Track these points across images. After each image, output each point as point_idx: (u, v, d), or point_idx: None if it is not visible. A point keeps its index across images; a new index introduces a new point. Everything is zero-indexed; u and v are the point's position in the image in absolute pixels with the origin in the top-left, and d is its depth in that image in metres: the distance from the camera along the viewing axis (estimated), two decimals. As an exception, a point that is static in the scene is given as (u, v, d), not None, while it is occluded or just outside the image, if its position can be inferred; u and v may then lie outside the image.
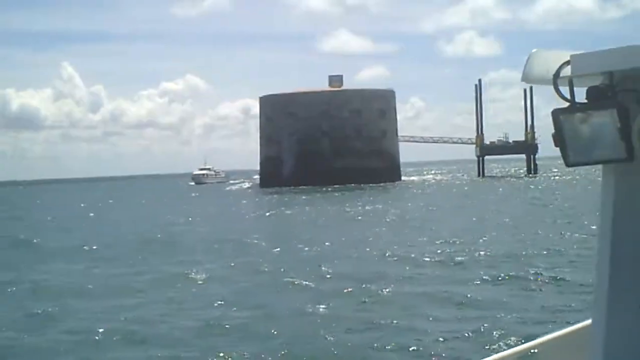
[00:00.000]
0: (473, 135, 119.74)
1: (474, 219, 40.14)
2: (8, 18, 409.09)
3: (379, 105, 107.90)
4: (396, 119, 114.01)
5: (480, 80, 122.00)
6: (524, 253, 26.21)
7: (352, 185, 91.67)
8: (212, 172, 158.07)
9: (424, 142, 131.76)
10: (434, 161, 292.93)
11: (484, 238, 30.72)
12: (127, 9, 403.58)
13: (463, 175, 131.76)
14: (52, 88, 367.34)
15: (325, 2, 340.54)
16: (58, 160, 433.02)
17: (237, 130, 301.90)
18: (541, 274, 21.38)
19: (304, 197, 74.09)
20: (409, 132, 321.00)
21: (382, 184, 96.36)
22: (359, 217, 46.11)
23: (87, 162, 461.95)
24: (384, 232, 36.05)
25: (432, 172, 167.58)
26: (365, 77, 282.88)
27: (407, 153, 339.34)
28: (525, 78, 3.13)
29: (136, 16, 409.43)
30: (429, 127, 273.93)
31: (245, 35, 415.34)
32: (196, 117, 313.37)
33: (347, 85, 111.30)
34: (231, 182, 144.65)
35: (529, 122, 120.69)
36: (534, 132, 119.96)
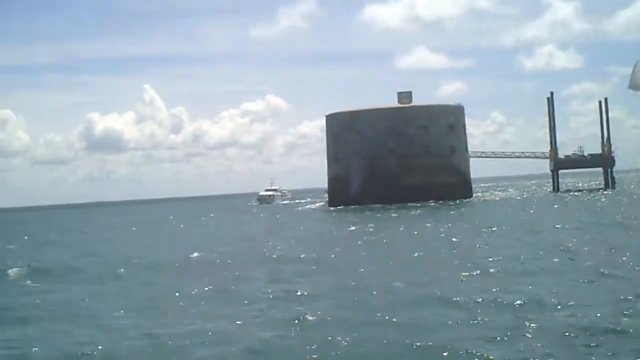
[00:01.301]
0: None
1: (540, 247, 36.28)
2: (92, 46, 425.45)
3: (447, 121, 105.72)
4: (465, 134, 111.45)
5: (552, 93, 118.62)
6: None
7: (419, 203, 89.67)
8: (279, 193, 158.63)
9: (496, 157, 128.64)
10: (509, 176, 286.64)
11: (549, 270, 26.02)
12: (206, 32, 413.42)
13: (537, 190, 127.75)
14: (135, 111, 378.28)
15: (401, 20, 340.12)
16: (142, 181, 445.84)
17: (317, 148, 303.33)
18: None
19: (368, 216, 72.89)
20: (491, 146, 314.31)
21: (451, 202, 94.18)
22: (418, 238, 44.54)
23: (170, 182, 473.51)
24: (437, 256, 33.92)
25: (505, 188, 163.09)
26: (444, 93, 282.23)
27: (482, 168, 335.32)
28: (633, 85, 2.12)
29: (215, 39, 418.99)
30: (511, 141, 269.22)
31: (323, 54, 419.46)
32: (277, 136, 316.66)
33: (424, 101, 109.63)
34: (297, 201, 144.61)
35: (605, 135, 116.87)
36: (610, 145, 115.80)
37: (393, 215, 72.42)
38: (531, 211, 67.90)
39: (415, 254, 32.60)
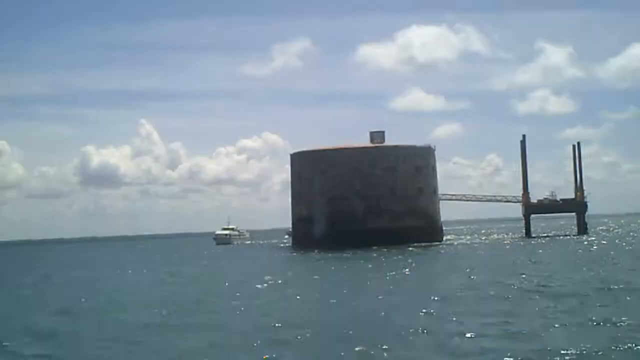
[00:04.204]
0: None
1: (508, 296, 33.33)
2: (88, 78, 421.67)
3: (415, 162, 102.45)
4: (435, 176, 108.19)
5: (524, 136, 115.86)
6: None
7: (385, 248, 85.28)
8: (236, 232, 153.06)
9: (467, 200, 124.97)
10: (483, 219, 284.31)
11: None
12: (202, 68, 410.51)
13: (509, 235, 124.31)
14: (131, 145, 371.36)
15: (395, 61, 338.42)
16: (137, 216, 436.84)
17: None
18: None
19: (326, 261, 68.68)
20: (488, 190, 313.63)
21: (418, 245, 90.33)
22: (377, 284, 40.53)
23: (166, 218, 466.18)
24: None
25: (477, 231, 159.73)
26: (440, 135, 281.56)
27: (455, 211, 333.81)
28: None
29: (209, 74, 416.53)
30: (507, 183, 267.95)
31: (317, 92, 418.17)
32: (274, 174, 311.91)
33: (416, 142, 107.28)
34: (256, 242, 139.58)
35: (578, 179, 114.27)
36: (582, 190, 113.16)
37: (361, 262, 68.27)
38: (497, 256, 64.31)
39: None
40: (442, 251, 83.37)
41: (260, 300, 36.50)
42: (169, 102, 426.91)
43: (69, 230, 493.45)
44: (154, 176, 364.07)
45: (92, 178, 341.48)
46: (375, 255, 74.99)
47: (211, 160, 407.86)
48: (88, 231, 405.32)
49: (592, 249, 73.12)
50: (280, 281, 47.66)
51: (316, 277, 50.56)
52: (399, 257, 70.69)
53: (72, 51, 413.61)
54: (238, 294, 39.81)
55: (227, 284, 47.98)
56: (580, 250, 71.63)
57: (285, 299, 36.77)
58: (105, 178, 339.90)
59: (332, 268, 60.00)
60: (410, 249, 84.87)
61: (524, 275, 43.20)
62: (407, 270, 53.37)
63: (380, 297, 34.81)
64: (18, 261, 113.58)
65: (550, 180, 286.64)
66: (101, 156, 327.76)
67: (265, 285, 45.17)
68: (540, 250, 75.20)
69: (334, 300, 34.28)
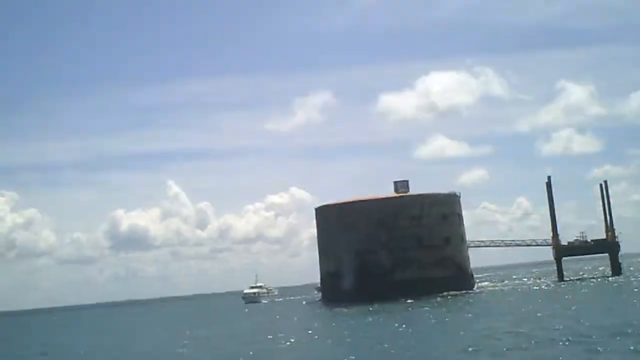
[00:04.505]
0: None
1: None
2: (113, 143, 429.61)
3: (441, 210, 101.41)
4: (462, 224, 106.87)
5: (549, 178, 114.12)
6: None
7: (413, 299, 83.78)
8: (264, 290, 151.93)
9: (496, 246, 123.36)
10: (515, 264, 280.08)
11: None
12: (225, 126, 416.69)
13: (541, 280, 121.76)
14: (160, 207, 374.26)
15: (416, 109, 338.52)
16: (169, 278, 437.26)
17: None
18: None
19: (355, 315, 67.50)
20: (519, 233, 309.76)
21: (448, 295, 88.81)
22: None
23: (196, 279, 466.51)
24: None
25: (509, 277, 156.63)
26: (466, 181, 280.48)
27: (486, 258, 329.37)
28: None
29: (233, 133, 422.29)
30: (538, 227, 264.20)
31: (340, 145, 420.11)
32: (302, 229, 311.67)
33: (442, 190, 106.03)
34: (288, 298, 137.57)
35: (608, 219, 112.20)
36: (613, 230, 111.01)
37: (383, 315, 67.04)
38: (533, 303, 62.76)
39: None
40: (471, 300, 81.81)
41: None
42: (194, 162, 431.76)
43: (102, 295, 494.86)
44: (184, 237, 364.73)
45: (123, 242, 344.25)
46: (401, 307, 73.58)
47: (240, 218, 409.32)
48: (121, 295, 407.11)
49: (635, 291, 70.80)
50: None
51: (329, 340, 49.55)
52: (426, 308, 69.54)
53: (95, 117, 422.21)
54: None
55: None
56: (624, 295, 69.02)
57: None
58: (135, 241, 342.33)
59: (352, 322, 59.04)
60: (439, 299, 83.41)
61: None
62: (434, 321, 52.46)
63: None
64: (32, 328, 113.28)
65: (582, 221, 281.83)
66: (130, 219, 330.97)
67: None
68: (570, 297, 73.39)
69: None
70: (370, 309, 75.47)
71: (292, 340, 47.54)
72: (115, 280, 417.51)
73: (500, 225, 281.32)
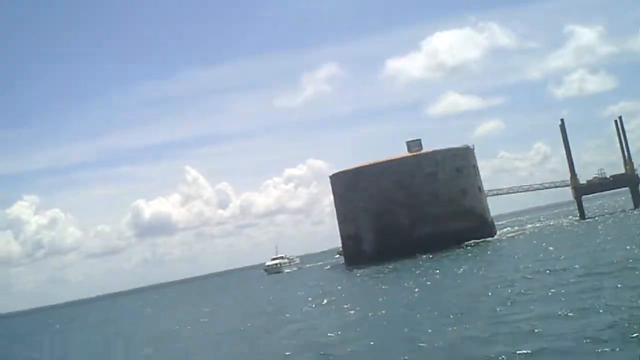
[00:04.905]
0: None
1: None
2: (127, 137, 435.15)
3: (455, 164, 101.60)
4: (478, 174, 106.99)
5: (562, 120, 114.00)
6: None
7: (432, 254, 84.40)
8: (286, 260, 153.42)
9: (515, 192, 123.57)
10: (539, 206, 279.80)
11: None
12: (235, 108, 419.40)
13: (563, 220, 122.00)
14: (180, 193, 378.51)
15: (425, 69, 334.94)
16: (196, 259, 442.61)
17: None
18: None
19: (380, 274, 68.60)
20: (540, 178, 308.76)
21: (469, 245, 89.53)
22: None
23: (224, 256, 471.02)
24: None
25: (531, 220, 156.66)
26: (481, 134, 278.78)
27: (508, 204, 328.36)
28: None
29: (244, 114, 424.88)
30: (559, 170, 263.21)
31: (352, 113, 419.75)
32: (322, 197, 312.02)
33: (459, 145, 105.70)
34: (308, 266, 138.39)
35: (626, 154, 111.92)
36: (632, 163, 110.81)
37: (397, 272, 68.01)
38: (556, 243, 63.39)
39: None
40: (489, 247, 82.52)
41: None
42: (209, 146, 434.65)
43: (133, 281, 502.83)
44: (206, 218, 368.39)
45: (147, 229, 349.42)
46: (420, 262, 74.56)
47: (260, 194, 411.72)
48: (151, 279, 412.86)
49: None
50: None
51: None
52: (451, 258, 70.56)
53: (107, 115, 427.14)
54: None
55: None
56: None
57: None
58: (159, 227, 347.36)
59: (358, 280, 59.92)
60: (460, 249, 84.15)
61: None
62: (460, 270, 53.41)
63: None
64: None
65: (602, 158, 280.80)
66: (152, 207, 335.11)
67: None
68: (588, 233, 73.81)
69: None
70: (390, 267, 76.47)
71: (308, 307, 48.47)
72: (144, 265, 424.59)
73: (520, 171, 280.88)
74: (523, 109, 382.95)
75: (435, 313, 31.68)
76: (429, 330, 26.26)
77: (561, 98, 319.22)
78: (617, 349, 18.62)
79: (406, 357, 22.58)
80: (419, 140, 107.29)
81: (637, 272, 31.93)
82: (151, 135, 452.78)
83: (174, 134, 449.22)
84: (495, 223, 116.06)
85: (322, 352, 26.52)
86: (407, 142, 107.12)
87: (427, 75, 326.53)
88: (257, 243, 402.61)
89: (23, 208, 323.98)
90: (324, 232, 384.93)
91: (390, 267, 76.91)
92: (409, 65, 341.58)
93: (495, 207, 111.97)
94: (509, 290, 34.91)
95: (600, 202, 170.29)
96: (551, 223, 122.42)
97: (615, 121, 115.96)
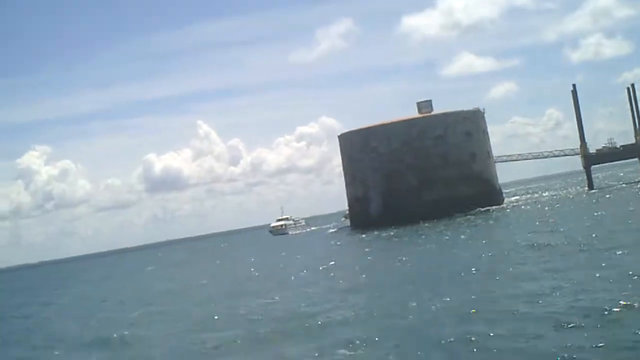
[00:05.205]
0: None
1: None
2: (139, 89, 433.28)
3: (465, 128, 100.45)
4: (488, 139, 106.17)
5: (574, 86, 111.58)
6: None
7: (438, 220, 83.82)
8: (291, 222, 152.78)
9: (524, 159, 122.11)
10: (549, 175, 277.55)
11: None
12: (248, 63, 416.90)
13: (570, 190, 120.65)
14: (191, 148, 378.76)
15: (440, 28, 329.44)
16: (206, 215, 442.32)
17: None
18: None
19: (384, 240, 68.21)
20: (551, 145, 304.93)
21: (477, 211, 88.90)
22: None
23: (233, 214, 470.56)
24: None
25: (539, 189, 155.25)
26: (494, 96, 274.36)
27: (518, 171, 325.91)
28: None
29: (258, 68, 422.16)
30: (571, 136, 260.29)
31: (366, 70, 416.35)
32: (334, 157, 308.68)
33: (472, 107, 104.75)
34: (313, 229, 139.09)
35: (637, 123, 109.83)
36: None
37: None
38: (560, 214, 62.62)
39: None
40: (495, 215, 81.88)
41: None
42: (222, 101, 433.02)
43: (142, 237, 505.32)
44: (217, 174, 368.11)
45: (157, 184, 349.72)
46: (424, 230, 73.78)
47: (271, 151, 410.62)
48: (160, 236, 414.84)
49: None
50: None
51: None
52: (463, 224, 70.11)
53: (119, 66, 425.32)
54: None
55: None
56: None
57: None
58: (169, 183, 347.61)
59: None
60: (468, 216, 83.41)
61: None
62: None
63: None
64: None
65: (615, 126, 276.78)
66: (163, 161, 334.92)
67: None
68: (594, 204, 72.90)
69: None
70: (392, 233, 75.90)
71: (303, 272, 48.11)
72: (154, 221, 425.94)
73: (532, 137, 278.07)
74: (537, 72, 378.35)
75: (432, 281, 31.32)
76: (413, 304, 25.64)
77: (577, 62, 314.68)
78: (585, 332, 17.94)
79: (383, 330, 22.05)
80: (430, 101, 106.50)
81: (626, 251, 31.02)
82: (163, 87, 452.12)
83: (186, 86, 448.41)
84: (504, 191, 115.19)
85: (301, 322, 25.85)
86: (418, 103, 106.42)
87: (442, 34, 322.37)
88: (267, 202, 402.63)
89: (34, 158, 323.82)
90: (333, 192, 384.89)
91: (392, 233, 76.41)
92: (424, 23, 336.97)
93: (504, 174, 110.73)
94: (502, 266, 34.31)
95: (611, 172, 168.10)
96: (559, 193, 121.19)
97: (628, 88, 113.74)
